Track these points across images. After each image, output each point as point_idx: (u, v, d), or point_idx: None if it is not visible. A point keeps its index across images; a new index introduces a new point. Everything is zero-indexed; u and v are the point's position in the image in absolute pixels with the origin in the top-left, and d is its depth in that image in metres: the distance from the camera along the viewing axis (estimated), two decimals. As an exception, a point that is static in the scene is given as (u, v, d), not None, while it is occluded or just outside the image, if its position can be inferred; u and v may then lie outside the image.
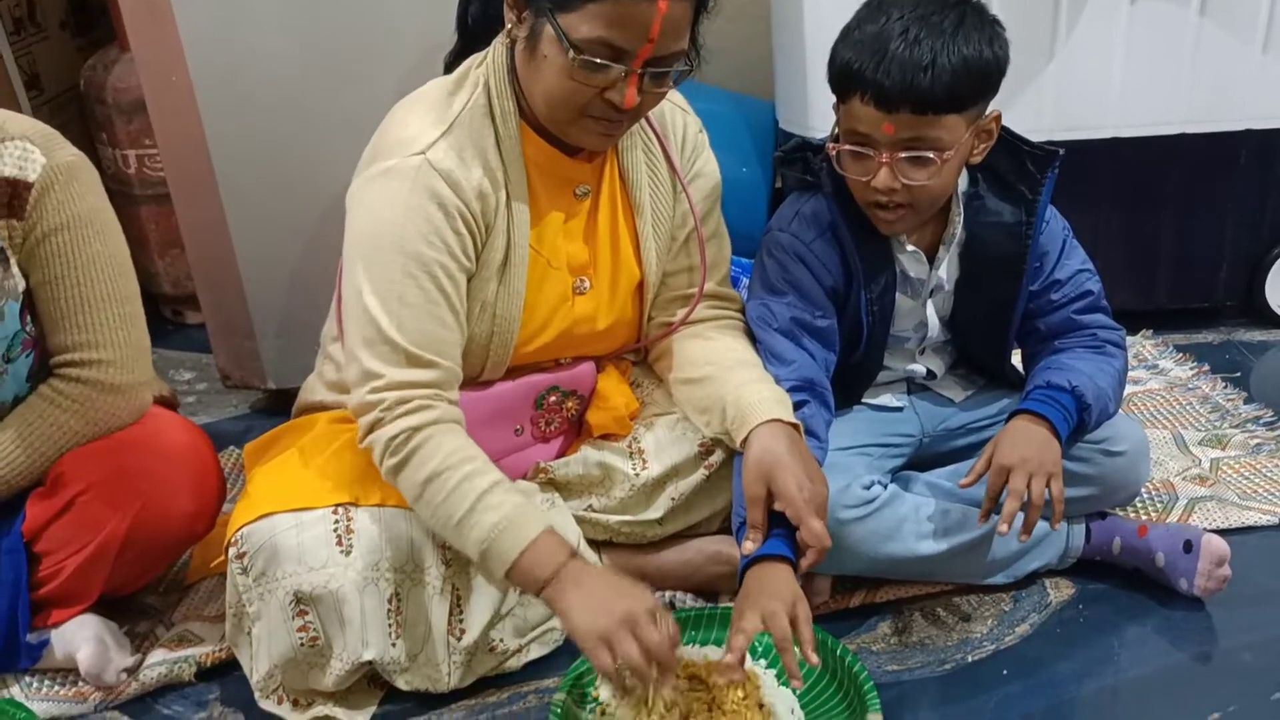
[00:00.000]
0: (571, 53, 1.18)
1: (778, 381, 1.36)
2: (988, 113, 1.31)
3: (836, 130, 1.36)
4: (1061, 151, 1.37)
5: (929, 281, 1.43)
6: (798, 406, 1.34)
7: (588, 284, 1.39)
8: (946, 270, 1.43)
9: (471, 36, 1.45)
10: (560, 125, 1.27)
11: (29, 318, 1.32)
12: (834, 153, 1.33)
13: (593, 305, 1.41)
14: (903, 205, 1.31)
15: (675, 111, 1.44)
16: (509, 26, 1.27)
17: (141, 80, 1.78)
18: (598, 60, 1.18)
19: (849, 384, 1.50)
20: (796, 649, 1.19)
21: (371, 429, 1.24)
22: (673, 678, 1.19)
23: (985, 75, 1.27)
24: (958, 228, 1.40)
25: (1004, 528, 1.29)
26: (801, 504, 1.23)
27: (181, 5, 1.68)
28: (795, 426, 1.30)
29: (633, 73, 1.20)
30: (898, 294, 1.43)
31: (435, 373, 1.25)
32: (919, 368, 1.52)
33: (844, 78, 1.28)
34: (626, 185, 1.40)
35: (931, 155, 1.26)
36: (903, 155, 1.27)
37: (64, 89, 2.28)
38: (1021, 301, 1.43)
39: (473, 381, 1.39)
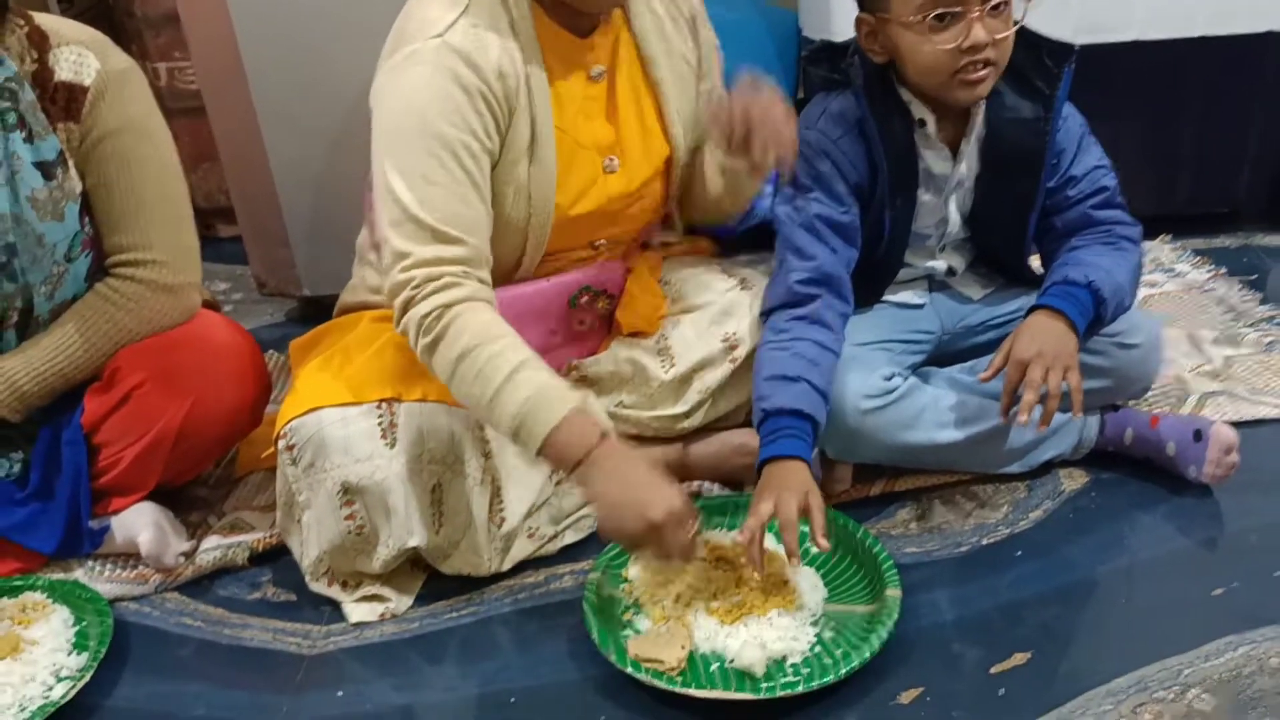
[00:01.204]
0: None
1: (794, 276, 1.40)
2: None
3: (857, 41, 1.37)
4: (1077, 46, 1.38)
5: (952, 177, 1.45)
6: (810, 300, 1.39)
7: (616, 162, 1.43)
8: (968, 166, 1.46)
9: None
10: None
11: (86, 219, 1.37)
12: (902, 32, 1.32)
13: (624, 182, 1.44)
14: (989, 64, 1.33)
15: None
16: None
17: (174, -10, 1.81)
18: None
19: (871, 280, 1.53)
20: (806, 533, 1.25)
21: (405, 309, 1.27)
22: (695, 565, 1.26)
23: None
24: (979, 121, 1.42)
25: (1023, 418, 1.33)
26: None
27: (212, -87, 1.70)
28: None
29: None
30: (920, 190, 1.46)
31: (462, 249, 1.28)
32: (940, 264, 1.55)
33: None
34: (644, 63, 1.44)
35: (1009, 13, 1.30)
36: (989, 9, 1.29)
37: (93, 2, 2.30)
38: (1039, 197, 1.46)
39: (514, 268, 1.43)
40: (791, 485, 1.27)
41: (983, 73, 1.34)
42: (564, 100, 1.38)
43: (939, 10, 1.30)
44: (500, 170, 1.35)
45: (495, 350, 1.23)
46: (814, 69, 1.47)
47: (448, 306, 1.25)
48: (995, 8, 1.30)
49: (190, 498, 1.57)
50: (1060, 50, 1.39)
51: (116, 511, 1.45)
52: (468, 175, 1.29)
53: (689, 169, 1.52)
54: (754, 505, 1.27)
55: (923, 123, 1.42)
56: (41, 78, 1.31)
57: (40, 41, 1.32)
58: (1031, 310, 1.41)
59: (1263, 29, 1.91)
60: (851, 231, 1.45)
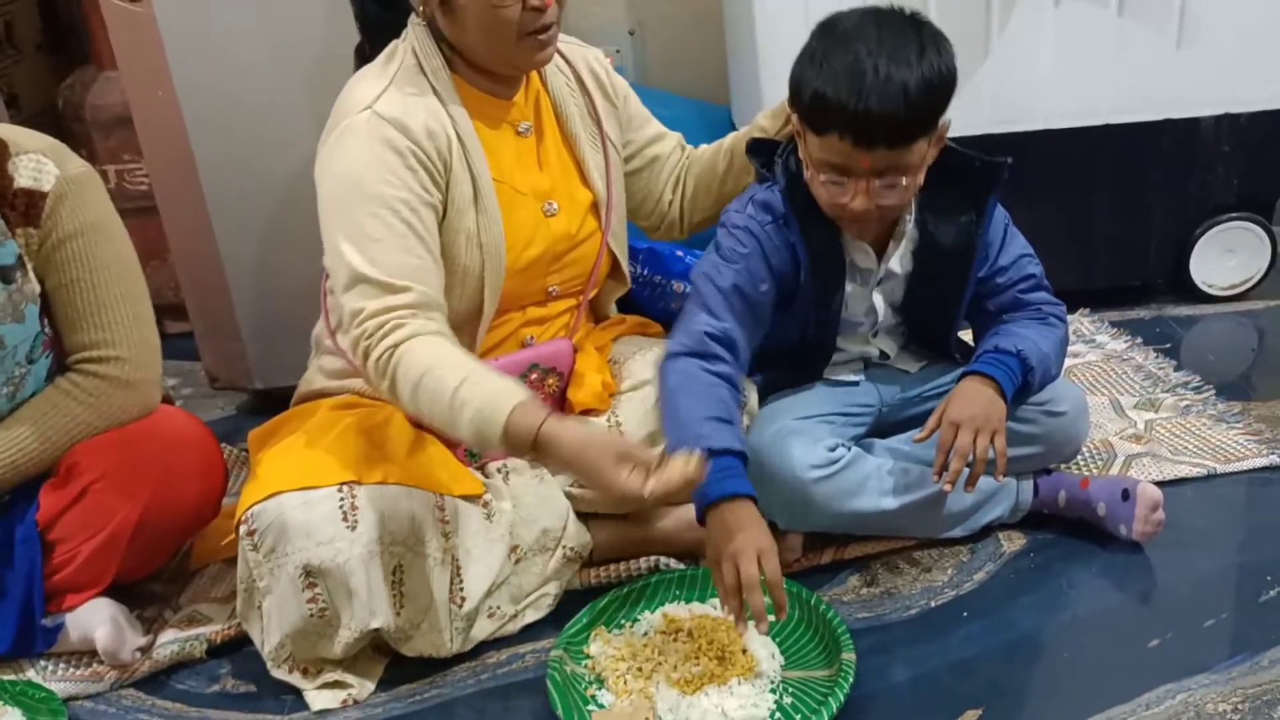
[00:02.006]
0: None
1: (705, 328, 1.45)
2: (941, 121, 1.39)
3: (796, 131, 1.42)
4: (1009, 160, 1.46)
5: (877, 272, 1.53)
6: (718, 359, 1.43)
7: (555, 206, 1.53)
8: (898, 262, 1.53)
9: (374, 30, 1.57)
10: (503, 57, 1.42)
11: (46, 320, 1.39)
12: (809, 177, 1.40)
13: (564, 224, 1.54)
14: (878, 216, 1.41)
15: (575, 50, 1.60)
16: (417, 8, 1.42)
17: (128, 95, 1.86)
18: None
19: (806, 363, 1.60)
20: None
21: (364, 359, 1.34)
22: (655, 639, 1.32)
23: (946, 91, 1.35)
24: (907, 225, 1.50)
25: (948, 486, 1.41)
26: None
27: (166, 22, 1.77)
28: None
29: None
30: (847, 282, 1.53)
31: (411, 295, 1.35)
32: (872, 350, 1.62)
33: (820, 113, 1.34)
34: (559, 121, 1.55)
35: (905, 182, 1.36)
36: (877, 182, 1.35)
37: (41, 108, 2.34)
38: (970, 288, 1.54)
39: (476, 316, 1.49)
40: (751, 537, 1.27)
41: (861, 226, 1.42)
42: (498, 153, 1.48)
43: (824, 177, 1.38)
44: (449, 222, 1.43)
45: (439, 375, 1.29)
46: (752, 158, 1.54)
47: (395, 346, 1.32)
48: (889, 184, 1.35)
49: (145, 593, 1.56)
50: (994, 167, 1.46)
51: (71, 608, 1.43)
52: (409, 228, 1.37)
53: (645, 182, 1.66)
54: (724, 558, 1.26)
55: None
56: (1, 185, 1.35)
57: (0, 150, 1.36)
58: (963, 375, 1.49)
59: (1159, 116, 2.07)
60: (762, 310, 1.49)
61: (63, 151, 1.40)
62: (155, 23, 1.76)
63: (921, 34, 1.35)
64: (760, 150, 1.54)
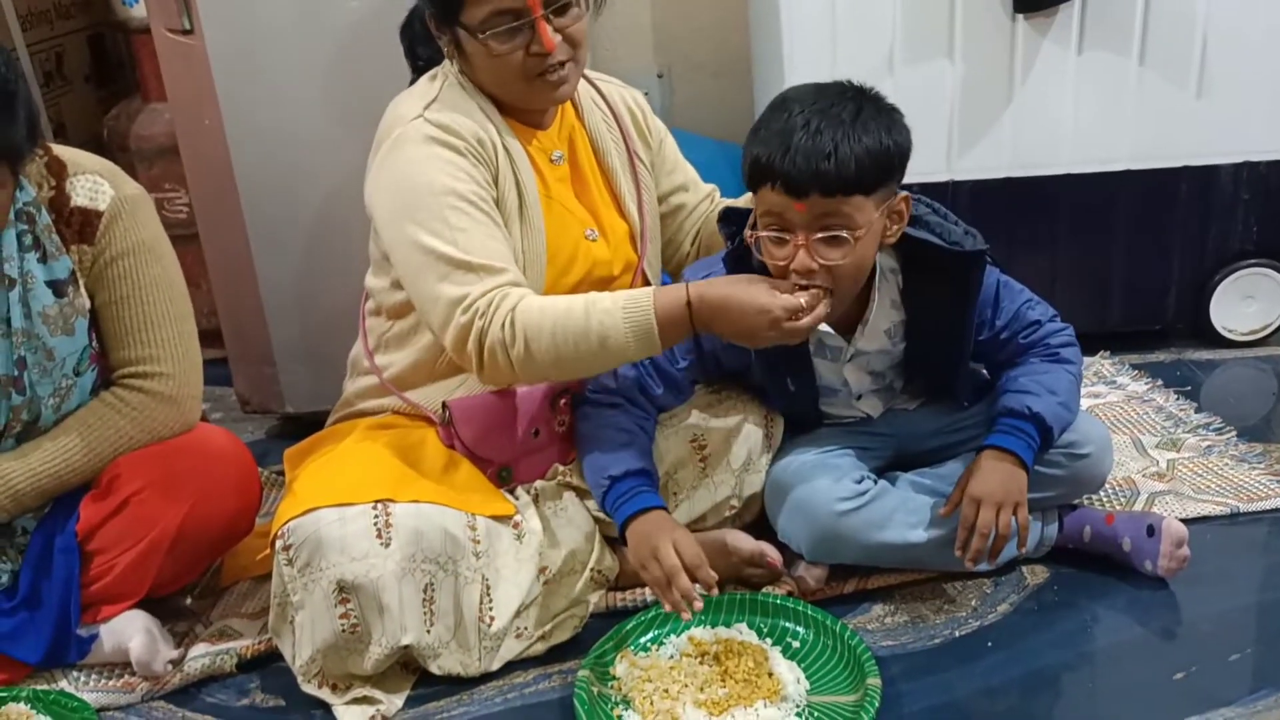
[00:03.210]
0: (481, 35, 1.39)
1: (609, 379, 1.52)
2: (897, 194, 1.39)
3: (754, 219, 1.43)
4: (988, 248, 1.44)
5: (847, 349, 1.52)
6: (612, 406, 1.51)
7: (595, 233, 1.56)
8: (871, 342, 1.52)
9: (425, 70, 1.60)
10: (519, 98, 1.47)
11: (94, 334, 1.43)
12: (753, 240, 1.39)
13: (604, 250, 1.57)
14: (825, 288, 1.35)
15: (613, 87, 1.65)
16: (446, 51, 1.49)
17: (175, 123, 1.92)
18: (503, 28, 1.39)
19: (799, 419, 1.61)
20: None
21: (480, 341, 1.36)
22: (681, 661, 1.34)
23: (886, 160, 1.33)
24: (874, 304, 1.47)
25: (970, 565, 1.44)
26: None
27: (216, 53, 1.83)
28: None
29: (536, 19, 1.39)
30: (815, 359, 1.54)
31: (509, 275, 1.39)
32: (857, 412, 1.62)
33: (755, 170, 1.35)
34: (598, 153, 1.60)
35: (845, 234, 1.33)
36: (818, 236, 1.33)
37: (87, 137, 2.41)
38: (968, 351, 1.54)
39: None
40: (665, 532, 1.37)
41: (815, 297, 1.34)
42: (542, 171, 1.52)
43: (765, 232, 1.36)
44: None
45: (564, 309, 1.35)
46: (723, 226, 1.52)
47: (511, 311, 1.35)
48: (829, 238, 1.33)
49: (176, 608, 1.58)
50: (972, 256, 1.44)
51: (106, 619, 1.45)
52: (487, 215, 1.42)
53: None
54: (647, 561, 1.36)
55: None
56: (58, 203, 1.40)
57: (59, 170, 1.41)
58: (981, 449, 1.49)
59: (1178, 164, 2.11)
60: (678, 382, 1.54)
61: (118, 173, 1.45)
62: (205, 54, 1.82)
63: (863, 101, 1.35)
64: (731, 220, 1.51)
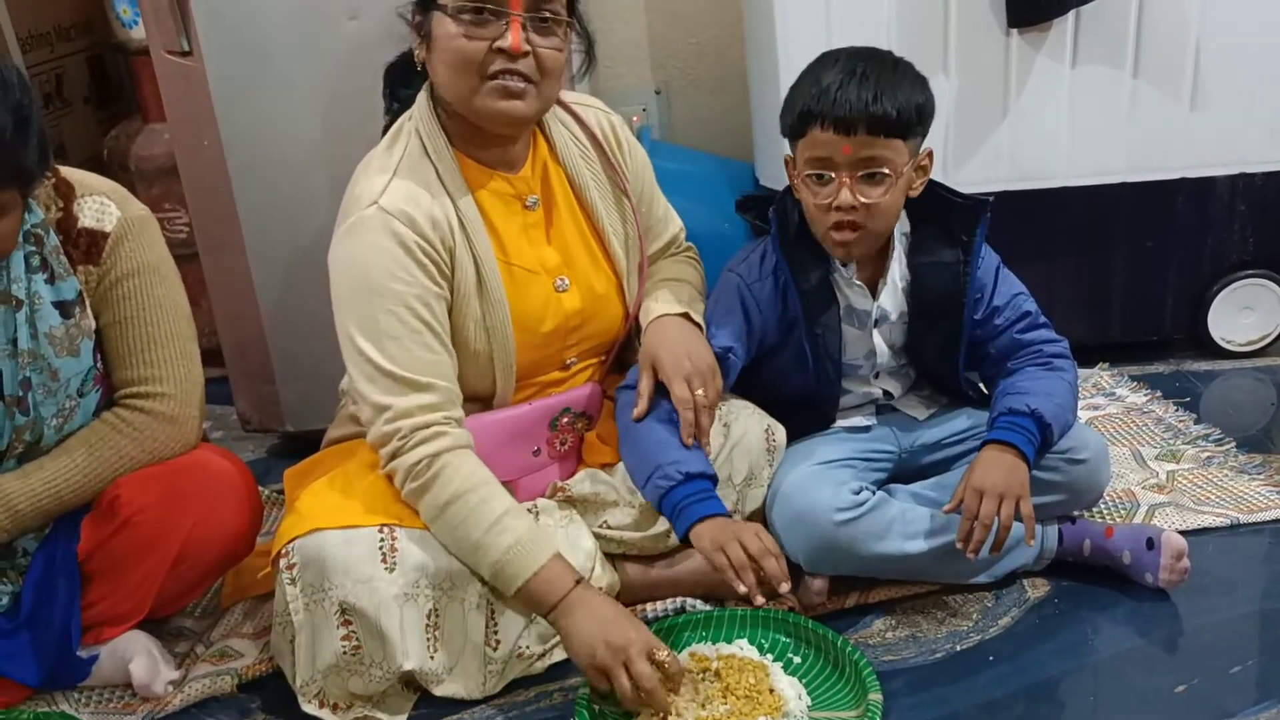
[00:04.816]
0: (452, 11, 1.37)
1: None
2: (923, 149, 1.49)
3: (790, 176, 1.51)
4: (991, 200, 1.53)
5: (873, 312, 1.57)
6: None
7: (566, 281, 1.54)
8: (891, 302, 1.57)
9: (404, 110, 1.57)
10: (466, 97, 1.42)
11: (98, 355, 1.43)
12: (797, 180, 1.49)
13: (577, 300, 1.55)
14: (859, 227, 1.45)
15: (592, 112, 1.62)
16: (418, 56, 1.46)
17: (174, 144, 1.92)
18: (475, 10, 1.37)
19: (814, 408, 1.63)
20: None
21: (393, 457, 1.38)
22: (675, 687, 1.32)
23: (922, 111, 1.45)
24: (893, 262, 1.55)
25: (971, 555, 1.44)
26: (670, 370, 1.46)
27: (215, 75, 1.84)
28: (684, 315, 1.54)
29: (512, 16, 1.37)
30: (844, 325, 1.58)
31: (435, 395, 1.39)
32: (875, 390, 1.65)
33: (803, 114, 1.44)
34: (575, 189, 1.57)
35: (886, 172, 1.43)
36: (860, 174, 1.43)
37: (87, 158, 2.42)
38: (966, 329, 1.58)
39: (488, 398, 1.51)
40: (747, 526, 1.41)
41: (847, 235, 1.46)
42: (502, 234, 1.50)
43: (810, 172, 1.46)
44: (456, 308, 1.46)
45: (481, 497, 1.37)
46: (744, 215, 1.60)
47: (435, 456, 1.37)
48: (869, 176, 1.43)
49: (176, 629, 1.58)
50: (976, 205, 1.54)
51: (106, 640, 1.45)
52: (424, 324, 1.41)
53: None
54: (727, 544, 1.37)
55: (845, 263, 1.54)
56: (66, 224, 1.40)
57: (67, 191, 1.42)
58: (984, 444, 1.50)
59: (1174, 176, 2.11)
60: (726, 369, 1.55)
61: (125, 194, 1.46)
62: (205, 75, 1.83)
63: (898, 60, 1.47)
64: (749, 207, 1.58)
